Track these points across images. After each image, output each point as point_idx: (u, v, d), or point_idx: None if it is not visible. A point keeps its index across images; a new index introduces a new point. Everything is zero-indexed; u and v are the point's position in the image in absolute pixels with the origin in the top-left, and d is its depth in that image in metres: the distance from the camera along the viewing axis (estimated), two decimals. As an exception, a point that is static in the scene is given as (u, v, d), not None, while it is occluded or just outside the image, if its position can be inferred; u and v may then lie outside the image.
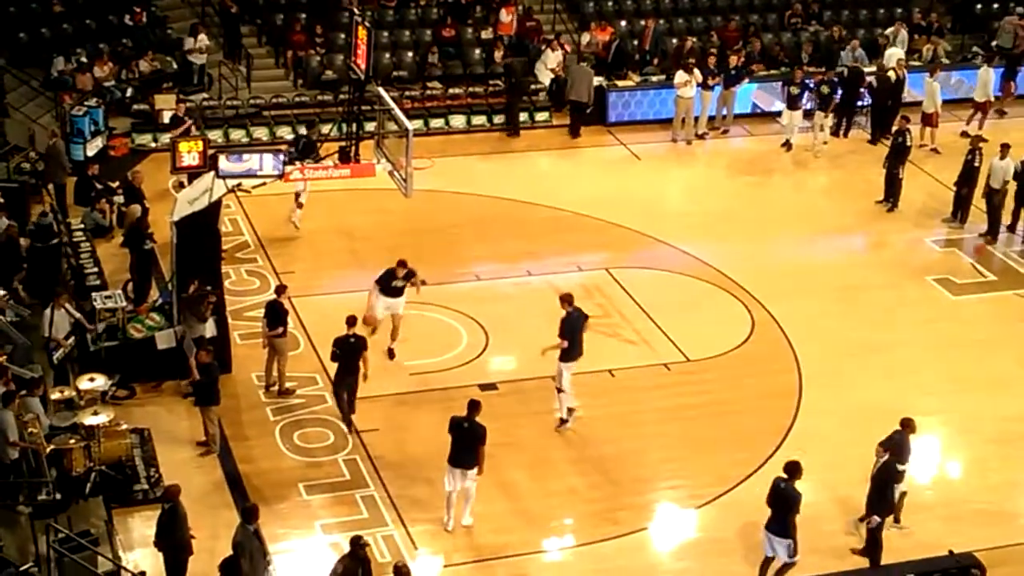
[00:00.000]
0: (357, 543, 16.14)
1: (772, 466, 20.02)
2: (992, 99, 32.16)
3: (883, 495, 17.74)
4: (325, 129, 27.13)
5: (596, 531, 18.55)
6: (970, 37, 36.20)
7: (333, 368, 20.83)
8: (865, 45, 33.90)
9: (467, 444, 18.06)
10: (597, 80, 32.26)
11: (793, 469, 17.23)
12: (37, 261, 22.80)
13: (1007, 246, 26.90)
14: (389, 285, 21.78)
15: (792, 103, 30.71)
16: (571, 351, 20.46)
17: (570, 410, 20.85)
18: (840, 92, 31.23)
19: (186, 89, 30.60)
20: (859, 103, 32.05)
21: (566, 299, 20.79)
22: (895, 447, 18.13)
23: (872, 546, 17.90)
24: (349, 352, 20.16)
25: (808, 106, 31.06)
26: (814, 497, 19.07)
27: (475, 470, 18.13)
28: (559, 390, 20.80)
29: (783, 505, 17.14)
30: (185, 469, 19.25)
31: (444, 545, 18.25)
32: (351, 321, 20.37)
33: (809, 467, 19.50)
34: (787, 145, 30.87)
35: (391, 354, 22.11)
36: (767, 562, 17.55)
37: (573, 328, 20.53)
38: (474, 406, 18.25)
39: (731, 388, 21.92)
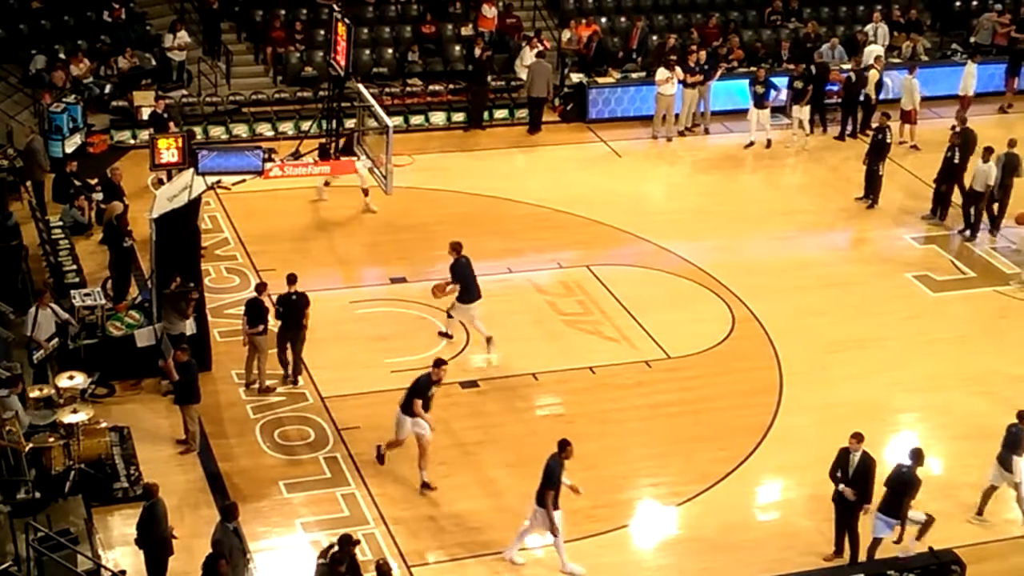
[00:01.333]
0: (348, 541, 16.12)
1: (753, 463, 20.12)
2: (971, 95, 32.22)
3: (867, 486, 17.73)
4: (305, 126, 27.10)
5: (577, 528, 18.52)
6: (949, 34, 36.29)
7: (311, 360, 20.95)
8: (845, 42, 34.02)
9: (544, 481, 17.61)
10: (577, 77, 32.31)
11: (917, 455, 17.62)
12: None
13: (987, 243, 26.99)
14: (427, 396, 19.28)
15: (758, 101, 30.71)
16: (468, 294, 21.92)
17: (449, 336, 22.53)
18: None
19: (165, 86, 30.50)
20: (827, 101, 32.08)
21: (454, 247, 21.96)
22: (1013, 441, 18.41)
23: (856, 540, 17.92)
24: (292, 309, 20.95)
25: (782, 102, 31.15)
26: (796, 493, 19.14)
27: (539, 510, 17.55)
28: (448, 315, 22.43)
29: (902, 488, 17.51)
30: (165, 467, 19.19)
31: (425, 543, 18.23)
32: (291, 279, 21.10)
33: (789, 464, 19.63)
34: (760, 143, 30.87)
35: (426, 486, 19.29)
36: (875, 544, 17.82)
37: (463, 273, 21.83)
38: (561, 446, 17.67)
39: (712, 385, 21.93)
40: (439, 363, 19.14)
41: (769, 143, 30.88)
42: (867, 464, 17.73)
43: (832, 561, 17.93)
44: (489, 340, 22.19)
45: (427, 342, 22.60)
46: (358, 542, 16.45)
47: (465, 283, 21.97)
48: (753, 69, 32.46)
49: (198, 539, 17.12)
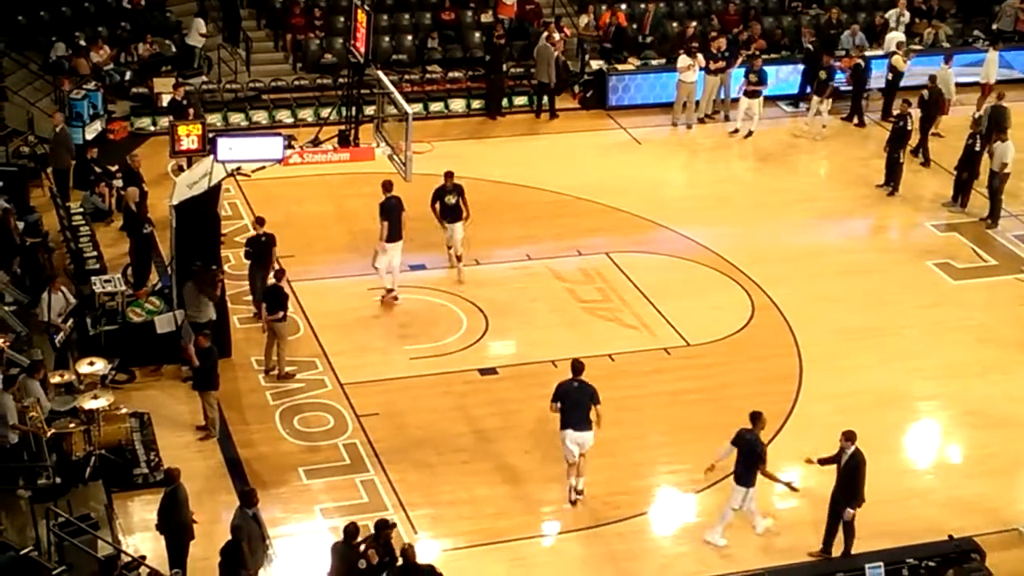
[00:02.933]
0: (384, 526, 16.25)
1: (772, 451, 20.01)
2: (992, 82, 32.02)
3: (854, 486, 17.55)
4: (325, 113, 27.10)
5: (595, 515, 18.55)
6: (971, 21, 36.09)
7: (330, 347, 21.20)
8: (866, 28, 33.91)
9: (746, 458, 17.76)
10: (597, 64, 32.26)
11: None
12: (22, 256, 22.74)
13: (1008, 230, 26.86)
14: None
15: (752, 91, 30.41)
16: (392, 233, 22.75)
17: (389, 290, 23.32)
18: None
19: (185, 72, 30.54)
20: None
21: (385, 186, 22.88)
22: None
23: (848, 537, 17.83)
24: (260, 249, 22.25)
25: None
26: (815, 481, 19.08)
27: (746, 490, 17.78)
28: (375, 267, 23.23)
29: None
30: (185, 453, 19.25)
31: (444, 530, 18.27)
32: (260, 221, 22.48)
33: (808, 452, 19.56)
34: (743, 133, 30.52)
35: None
36: None
37: (389, 212, 22.75)
38: (754, 418, 17.81)
39: (731, 373, 21.90)
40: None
41: (749, 133, 30.57)
42: (856, 462, 17.44)
43: (818, 558, 17.83)
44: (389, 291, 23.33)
45: (446, 329, 22.63)
46: (394, 525, 16.53)
47: (393, 222, 22.88)
48: (774, 56, 32.45)
49: (217, 525, 17.19)
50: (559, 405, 18.39)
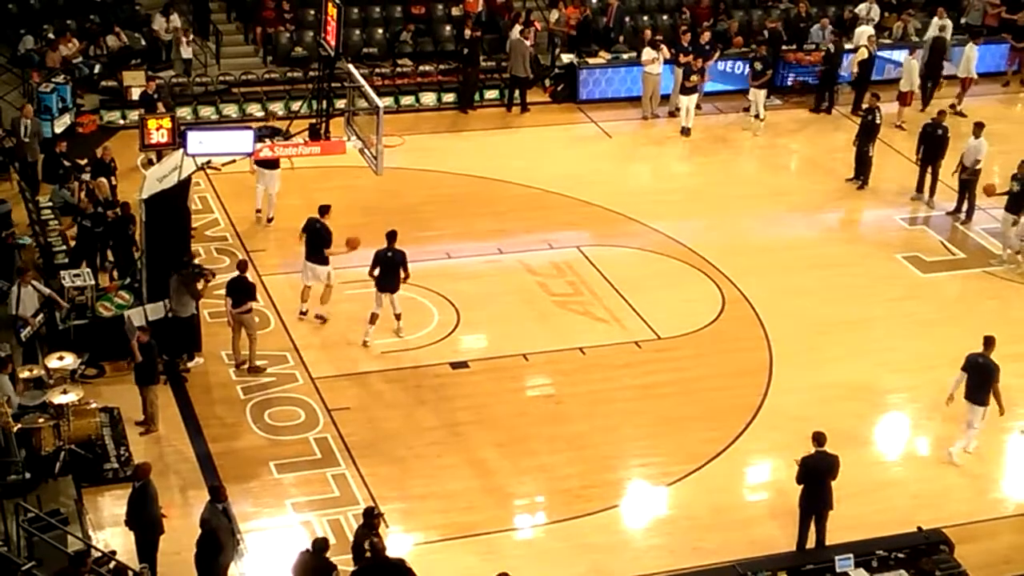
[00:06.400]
0: (370, 514, 16.29)
1: (743, 443, 20.16)
2: (974, 76, 32.06)
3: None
4: (295, 106, 27.04)
5: (567, 508, 18.58)
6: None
7: (301, 341, 20.83)
8: (836, 22, 34.02)
9: (981, 379, 19.28)
10: (568, 58, 32.27)
11: None
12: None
13: (977, 223, 26.97)
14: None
15: (689, 88, 30.30)
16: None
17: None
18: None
19: (155, 66, 30.41)
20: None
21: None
22: None
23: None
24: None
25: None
26: (786, 473, 19.14)
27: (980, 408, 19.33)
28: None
29: None
30: (155, 448, 19.19)
31: (415, 523, 18.26)
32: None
33: (779, 444, 19.69)
34: (686, 132, 30.45)
35: None
36: None
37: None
38: (987, 342, 19.42)
39: (702, 366, 21.95)
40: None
41: (688, 132, 30.49)
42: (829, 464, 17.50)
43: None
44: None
45: (417, 323, 22.61)
46: (380, 514, 16.55)
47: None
48: (745, 49, 32.53)
49: (187, 519, 17.16)
50: (377, 271, 21.58)
